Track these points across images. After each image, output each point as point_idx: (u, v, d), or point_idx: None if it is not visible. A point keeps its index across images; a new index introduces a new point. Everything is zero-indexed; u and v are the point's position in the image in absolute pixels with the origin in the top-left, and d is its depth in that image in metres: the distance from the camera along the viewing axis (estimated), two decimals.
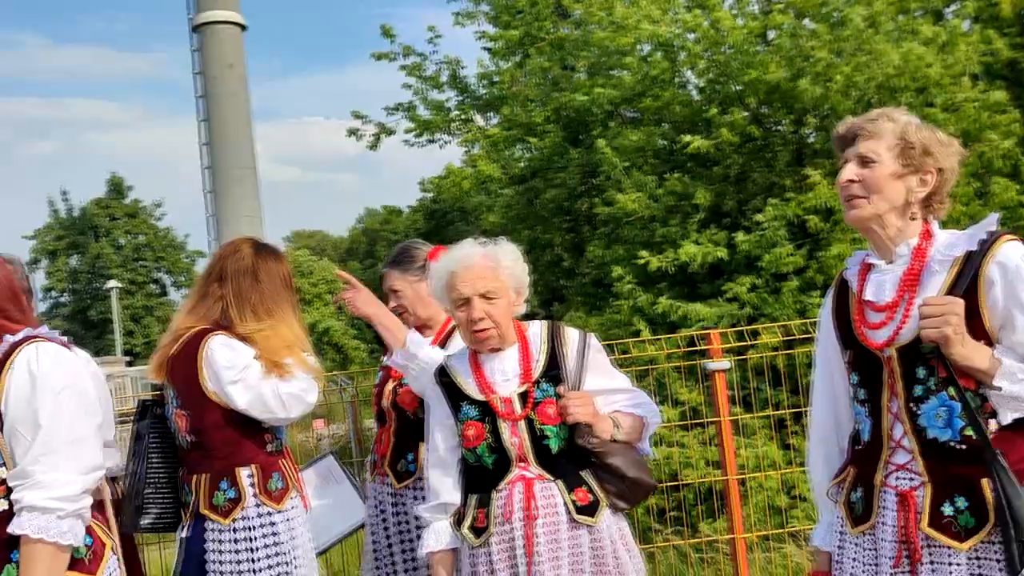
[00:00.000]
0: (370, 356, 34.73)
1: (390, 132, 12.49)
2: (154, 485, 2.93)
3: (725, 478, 4.48)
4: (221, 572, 2.87)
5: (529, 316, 2.83)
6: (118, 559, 2.33)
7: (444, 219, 39.28)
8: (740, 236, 7.31)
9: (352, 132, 12.72)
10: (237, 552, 2.88)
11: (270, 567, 2.88)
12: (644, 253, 7.52)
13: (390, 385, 3.27)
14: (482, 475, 2.63)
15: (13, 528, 2.06)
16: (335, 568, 5.22)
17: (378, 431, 3.35)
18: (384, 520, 3.25)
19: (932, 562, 2.05)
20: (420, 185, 41.05)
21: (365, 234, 50.82)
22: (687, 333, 5.43)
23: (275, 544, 2.90)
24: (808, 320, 5.38)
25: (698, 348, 4.83)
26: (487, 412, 2.62)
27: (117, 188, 32.38)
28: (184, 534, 2.93)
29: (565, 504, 2.55)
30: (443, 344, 3.13)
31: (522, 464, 2.58)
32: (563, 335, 2.69)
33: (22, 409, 2.10)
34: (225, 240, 13.24)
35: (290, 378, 2.89)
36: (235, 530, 2.88)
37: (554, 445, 2.57)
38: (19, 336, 2.20)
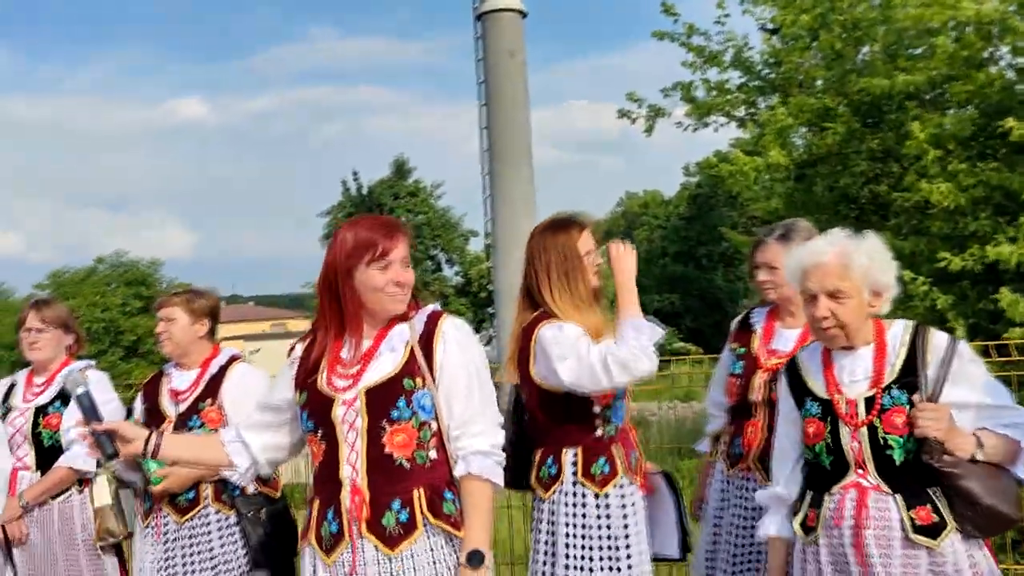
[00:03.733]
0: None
1: (665, 114, 12.34)
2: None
3: None
4: (536, 541, 3.03)
5: None
6: None
7: (707, 204, 38.67)
8: None
9: (624, 114, 12.64)
10: (551, 526, 3.02)
11: (580, 547, 2.96)
12: (945, 254, 6.94)
13: (761, 377, 3.24)
14: (819, 474, 2.56)
15: (468, 469, 2.37)
16: None
17: (738, 422, 3.31)
18: (739, 513, 3.24)
19: None
20: (684, 169, 40.68)
21: (624, 217, 51.01)
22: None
23: (588, 526, 2.97)
24: None
25: None
26: (829, 411, 2.53)
27: (400, 169, 34.64)
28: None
29: (901, 520, 2.40)
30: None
31: (860, 471, 2.47)
32: (927, 340, 2.50)
33: (457, 371, 2.40)
34: (501, 220, 13.73)
35: (622, 344, 2.88)
36: (553, 505, 3.02)
37: (898, 456, 2.42)
38: (431, 309, 2.50)
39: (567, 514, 2.99)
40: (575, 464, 3.00)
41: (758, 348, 3.33)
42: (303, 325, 37.81)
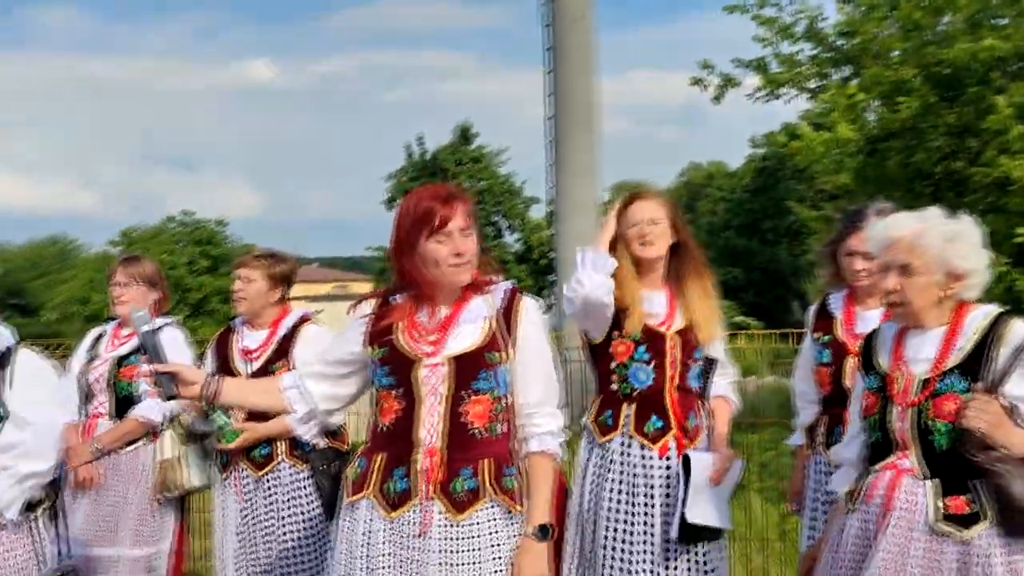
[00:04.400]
0: None
1: (735, 84, 12.20)
2: None
3: None
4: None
5: None
6: None
7: (773, 177, 37.99)
8: None
9: (696, 81, 12.63)
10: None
11: (578, 490, 3.17)
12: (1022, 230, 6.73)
13: (852, 363, 3.20)
14: (871, 449, 2.55)
15: (542, 447, 2.44)
16: None
17: (834, 411, 3.29)
18: None
19: None
20: (750, 141, 39.99)
21: (687, 188, 50.32)
22: None
23: (586, 471, 3.18)
24: None
25: None
26: (884, 387, 2.50)
27: (464, 134, 34.60)
28: None
29: (929, 507, 2.35)
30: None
31: (902, 452, 2.43)
32: (1004, 328, 2.39)
33: (536, 351, 2.46)
34: (564, 188, 13.65)
35: None
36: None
37: (941, 442, 2.37)
38: (508, 285, 2.52)
39: (582, 458, 3.21)
40: (591, 413, 3.21)
41: (843, 334, 3.31)
42: (365, 287, 38.21)
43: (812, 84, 11.30)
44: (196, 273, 32.72)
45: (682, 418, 3.12)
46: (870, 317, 3.21)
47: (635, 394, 3.12)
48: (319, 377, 2.61)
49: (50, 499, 2.78)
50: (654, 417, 3.11)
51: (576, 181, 16.18)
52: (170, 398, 2.51)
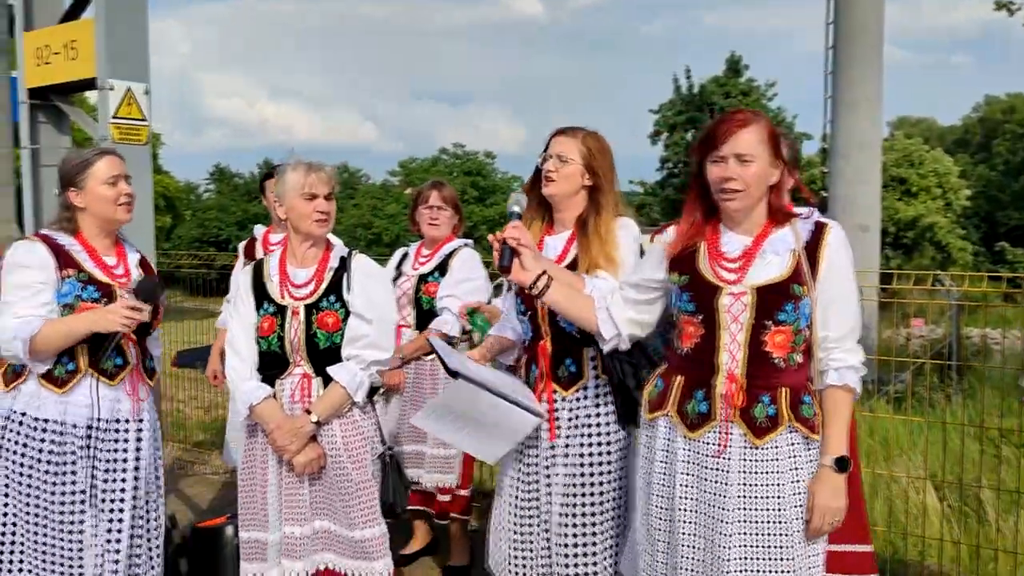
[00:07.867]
0: (974, 259, 31.68)
1: None
2: None
3: None
4: None
5: None
6: None
7: None
8: None
9: (1001, 6, 11.60)
10: None
11: None
12: None
13: None
14: None
15: (843, 380, 2.47)
16: None
17: None
18: None
19: None
20: None
21: (981, 124, 45.72)
22: None
23: None
24: None
25: None
26: None
27: (734, 67, 33.40)
28: None
29: None
30: None
31: None
32: None
33: (841, 285, 2.48)
34: (842, 123, 12.82)
35: None
36: None
37: None
38: (817, 218, 2.53)
39: None
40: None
41: None
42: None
43: None
44: (466, 202, 34.38)
45: (553, 367, 2.97)
46: None
47: (526, 344, 3.06)
48: (624, 303, 2.71)
49: (382, 388, 3.21)
50: (533, 366, 3.01)
51: (855, 116, 15.11)
52: (502, 269, 2.70)
